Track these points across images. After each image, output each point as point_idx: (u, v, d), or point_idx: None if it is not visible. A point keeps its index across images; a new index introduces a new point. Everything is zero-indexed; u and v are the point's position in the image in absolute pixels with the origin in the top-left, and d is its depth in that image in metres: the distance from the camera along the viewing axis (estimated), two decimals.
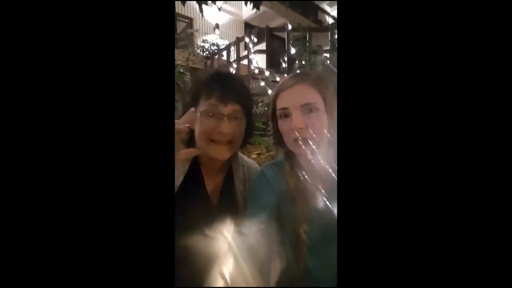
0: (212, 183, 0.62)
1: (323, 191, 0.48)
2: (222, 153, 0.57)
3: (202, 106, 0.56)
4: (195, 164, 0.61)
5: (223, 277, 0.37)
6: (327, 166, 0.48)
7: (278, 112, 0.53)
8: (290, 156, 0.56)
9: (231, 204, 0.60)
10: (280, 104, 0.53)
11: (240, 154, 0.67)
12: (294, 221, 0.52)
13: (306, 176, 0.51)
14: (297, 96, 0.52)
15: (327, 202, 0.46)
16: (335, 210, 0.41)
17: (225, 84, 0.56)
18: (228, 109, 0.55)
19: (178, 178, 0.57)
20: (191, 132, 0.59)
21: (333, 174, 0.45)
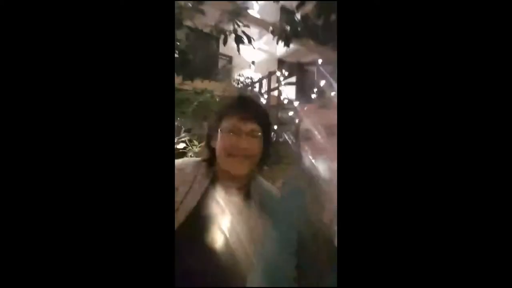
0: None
1: None
2: (239, 168, 0.61)
3: (225, 124, 0.62)
4: (212, 186, 0.63)
5: (223, 233, 0.38)
6: None
7: (302, 135, 0.56)
8: (313, 184, 0.56)
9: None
10: (304, 126, 0.56)
11: (260, 178, 0.69)
12: (315, 261, 0.49)
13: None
14: (322, 118, 0.54)
15: None
16: None
17: (246, 106, 0.63)
18: (248, 127, 0.61)
19: (195, 199, 0.60)
20: (212, 150, 0.65)
21: None
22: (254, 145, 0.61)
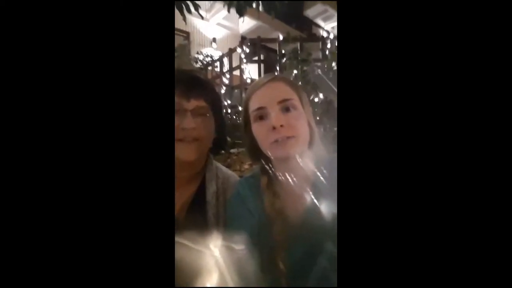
0: (179, 198, 0.55)
1: (311, 193, 0.44)
2: (188, 153, 0.53)
3: None
4: None
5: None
6: (313, 168, 0.44)
7: (253, 115, 0.49)
8: (266, 171, 0.50)
9: (200, 222, 0.53)
10: (254, 105, 0.48)
11: (216, 163, 0.61)
12: (271, 248, 0.46)
13: (294, 179, 0.46)
14: (273, 93, 0.48)
15: (317, 205, 0.41)
16: (325, 212, 0.39)
17: (188, 82, 0.54)
18: (192, 104, 0.52)
19: None
20: None
21: (320, 175, 0.42)
22: (201, 125, 0.53)
